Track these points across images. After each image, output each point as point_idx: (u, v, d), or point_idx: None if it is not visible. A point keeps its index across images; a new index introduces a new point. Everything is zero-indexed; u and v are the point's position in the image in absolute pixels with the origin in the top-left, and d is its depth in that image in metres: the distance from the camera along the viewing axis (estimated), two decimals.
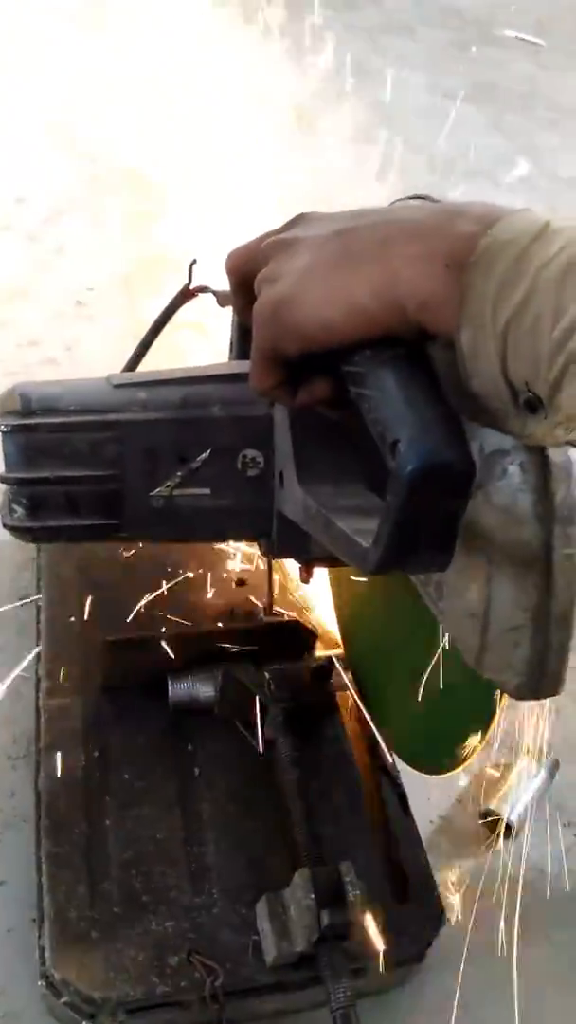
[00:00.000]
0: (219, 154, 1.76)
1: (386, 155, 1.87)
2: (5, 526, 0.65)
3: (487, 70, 2.32)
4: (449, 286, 0.43)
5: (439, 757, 0.82)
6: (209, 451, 0.64)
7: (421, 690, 0.75)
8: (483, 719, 0.70)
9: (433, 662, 0.72)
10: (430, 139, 1.94)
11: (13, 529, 0.65)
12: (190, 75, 1.90)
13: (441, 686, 0.74)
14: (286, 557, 0.73)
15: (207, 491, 0.65)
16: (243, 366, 0.66)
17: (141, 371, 0.88)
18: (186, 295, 0.96)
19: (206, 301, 0.96)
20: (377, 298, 0.46)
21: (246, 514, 0.67)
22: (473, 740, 0.74)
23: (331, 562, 0.70)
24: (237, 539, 0.92)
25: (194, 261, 0.95)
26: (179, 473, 0.64)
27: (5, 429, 0.62)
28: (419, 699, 0.77)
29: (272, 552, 0.70)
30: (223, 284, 0.94)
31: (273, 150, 1.75)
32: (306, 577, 0.77)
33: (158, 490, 0.65)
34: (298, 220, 0.54)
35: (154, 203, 1.73)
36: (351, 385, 0.50)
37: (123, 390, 0.65)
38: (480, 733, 0.72)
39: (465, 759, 0.77)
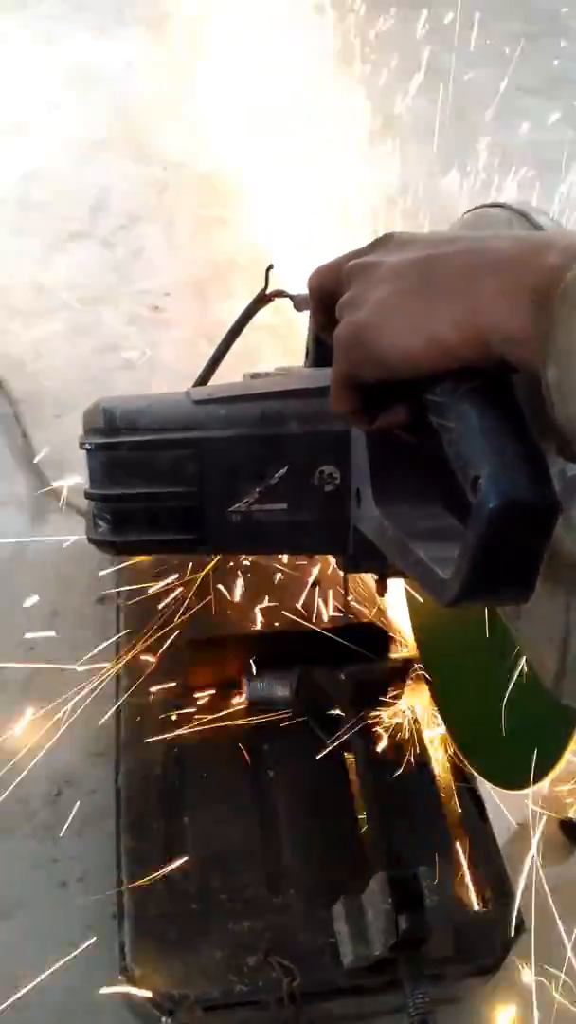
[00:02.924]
0: (290, 158, 1.77)
1: (457, 151, 1.85)
2: (90, 540, 0.67)
3: (559, 62, 2.27)
4: (535, 321, 0.42)
5: (514, 773, 0.81)
6: (286, 467, 0.65)
7: (502, 704, 0.74)
8: (562, 738, 0.69)
9: (512, 677, 0.71)
10: (501, 132, 1.91)
11: (98, 543, 0.67)
12: (265, 80, 1.91)
13: (519, 701, 0.73)
14: (363, 572, 0.73)
15: (284, 506, 0.66)
16: (319, 379, 0.66)
17: (219, 383, 0.89)
18: (263, 299, 0.97)
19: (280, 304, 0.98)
20: (459, 331, 0.45)
21: (323, 528, 0.67)
22: (551, 758, 0.73)
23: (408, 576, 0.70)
24: (314, 552, 0.92)
25: (271, 266, 0.96)
26: (257, 489, 0.65)
27: (90, 447, 0.64)
28: (497, 712, 0.76)
29: (349, 566, 0.70)
30: (299, 288, 0.95)
31: (345, 151, 1.75)
32: (382, 590, 0.77)
33: (236, 506, 0.65)
34: (382, 242, 0.53)
35: (225, 208, 1.75)
36: (432, 414, 0.49)
37: (203, 407, 0.66)
38: (559, 752, 0.71)
39: (542, 777, 0.75)
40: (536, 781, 0.78)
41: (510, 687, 0.72)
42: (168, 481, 0.64)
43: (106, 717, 0.94)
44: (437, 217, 1.51)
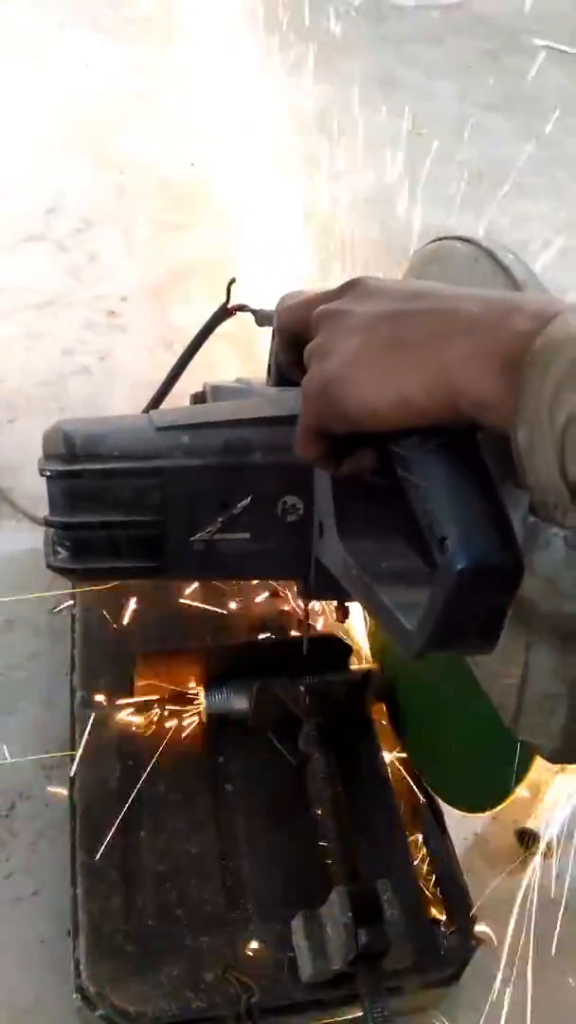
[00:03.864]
0: (247, 167, 1.77)
1: (416, 167, 1.87)
2: (49, 566, 0.66)
3: (517, 80, 2.31)
4: (504, 385, 0.42)
5: (468, 796, 0.82)
6: (250, 498, 0.65)
7: (460, 727, 0.75)
8: (520, 764, 0.70)
9: (470, 706, 0.72)
10: (460, 149, 1.94)
11: (57, 570, 0.66)
12: (218, 89, 1.90)
13: (478, 727, 0.73)
14: (323, 599, 0.73)
15: (247, 536, 0.66)
16: (283, 405, 0.66)
17: (182, 407, 0.89)
18: (225, 313, 0.97)
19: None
20: (428, 393, 0.45)
21: (285, 557, 0.67)
22: (507, 784, 0.74)
23: None
24: (275, 579, 0.92)
25: (232, 280, 0.96)
26: (220, 519, 0.65)
27: (49, 474, 0.63)
28: (454, 735, 0.77)
29: (309, 593, 0.70)
30: (260, 302, 0.95)
31: (301, 161, 1.76)
32: (342, 616, 0.77)
33: (199, 535, 0.65)
34: (352, 286, 0.53)
35: (183, 213, 1.74)
36: (398, 467, 0.49)
37: (166, 433, 0.65)
38: (515, 778, 0.72)
39: (498, 803, 0.76)
40: (487, 809, 0.80)
41: (466, 708, 0.73)
42: (130, 510, 0.64)
43: (60, 730, 0.92)
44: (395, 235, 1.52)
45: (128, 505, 0.64)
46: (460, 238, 0.70)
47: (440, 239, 0.74)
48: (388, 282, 0.53)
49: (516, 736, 0.62)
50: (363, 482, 0.57)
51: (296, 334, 0.57)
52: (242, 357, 1.37)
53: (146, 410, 1.02)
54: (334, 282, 0.60)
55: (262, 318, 0.91)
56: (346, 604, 0.78)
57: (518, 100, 2.27)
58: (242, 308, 0.93)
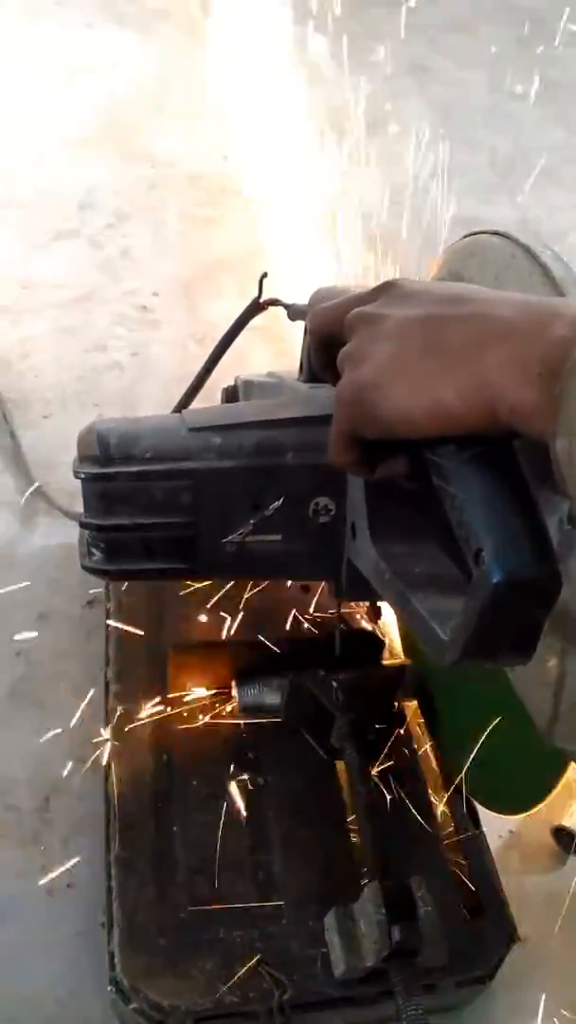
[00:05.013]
0: (280, 159, 1.76)
1: (447, 156, 1.85)
2: (84, 567, 0.67)
3: (550, 67, 2.28)
4: (543, 393, 0.41)
5: (505, 799, 0.82)
6: (282, 499, 0.64)
7: (494, 728, 0.74)
8: (555, 768, 0.69)
9: (506, 706, 0.71)
10: (492, 138, 1.91)
11: (91, 571, 0.66)
12: (249, 82, 1.90)
13: (511, 726, 0.73)
14: (355, 600, 0.73)
15: (278, 537, 0.66)
16: (316, 404, 0.66)
17: (214, 406, 0.88)
18: (257, 308, 0.96)
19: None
20: (465, 400, 0.44)
21: (316, 559, 0.67)
22: (544, 785, 0.73)
23: None
24: (306, 579, 0.92)
25: (264, 274, 0.95)
26: (252, 520, 0.65)
27: (84, 476, 0.63)
28: (489, 734, 0.76)
29: (341, 594, 0.69)
30: (293, 297, 0.95)
31: (335, 155, 1.75)
32: (375, 616, 0.76)
33: (231, 537, 0.65)
34: (386, 288, 0.52)
35: (215, 208, 1.74)
36: (433, 474, 0.48)
37: (198, 434, 0.65)
38: (551, 782, 0.71)
39: (534, 804, 0.76)
40: (523, 810, 0.79)
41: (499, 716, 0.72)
42: (163, 512, 0.64)
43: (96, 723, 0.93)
44: (427, 225, 1.51)
45: (161, 507, 0.64)
46: (496, 232, 0.69)
47: (475, 233, 0.73)
48: (423, 284, 0.52)
49: (550, 743, 0.61)
50: (397, 484, 0.56)
51: (329, 337, 0.56)
52: (274, 351, 1.37)
53: (179, 406, 1.02)
54: (366, 276, 0.59)
55: (294, 313, 0.91)
56: (377, 604, 0.78)
57: (551, 88, 2.24)
58: (274, 303, 0.93)
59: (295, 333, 0.89)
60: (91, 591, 1.08)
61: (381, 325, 0.50)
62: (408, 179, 1.75)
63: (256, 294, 0.93)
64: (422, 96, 2.08)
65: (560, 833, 0.92)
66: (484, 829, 0.86)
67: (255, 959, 0.75)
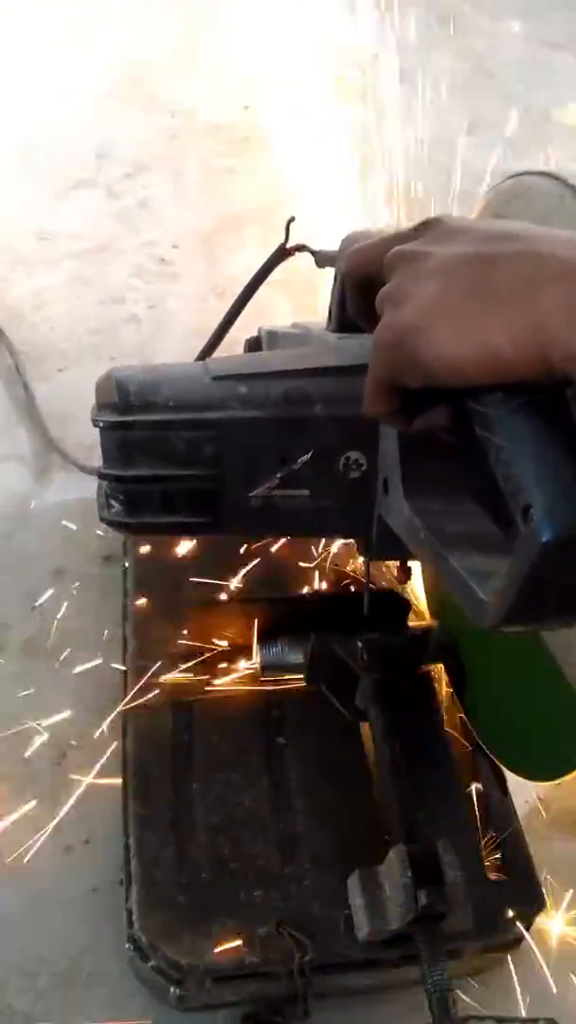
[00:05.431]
0: (306, 109, 1.71)
1: (481, 109, 1.80)
2: (102, 519, 0.64)
3: None
4: None
5: (534, 765, 0.80)
6: (311, 452, 0.61)
7: (526, 693, 0.72)
8: None
9: (539, 670, 0.68)
10: (527, 91, 1.85)
11: (111, 523, 0.64)
12: (271, 30, 1.84)
13: (544, 692, 0.70)
14: (386, 559, 0.70)
15: (306, 492, 0.63)
16: (347, 354, 0.62)
17: (237, 355, 0.85)
18: (284, 253, 0.93)
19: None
20: (517, 346, 0.41)
21: (345, 515, 0.64)
22: (573, 757, 0.71)
23: None
24: (336, 537, 0.89)
25: (292, 218, 0.92)
26: (278, 474, 0.62)
27: (102, 425, 0.60)
28: (520, 700, 0.74)
29: (371, 553, 0.67)
30: (320, 243, 0.91)
31: (359, 103, 1.69)
32: (403, 577, 0.74)
33: (257, 491, 0.62)
34: (430, 226, 0.49)
35: (236, 159, 1.69)
36: (477, 425, 0.45)
37: (222, 383, 0.62)
38: None
39: (566, 772, 0.74)
40: (554, 777, 0.77)
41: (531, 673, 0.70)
42: (185, 463, 0.61)
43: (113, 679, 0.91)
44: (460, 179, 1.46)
45: (183, 458, 0.61)
46: (542, 173, 0.66)
47: (519, 174, 0.69)
48: (469, 221, 0.49)
49: None
50: (432, 438, 0.53)
51: (367, 278, 0.52)
52: (296, 305, 1.33)
53: (200, 357, 0.99)
54: (396, 228, 0.56)
55: (323, 259, 0.87)
56: (408, 564, 0.75)
57: None
58: (301, 248, 0.89)
59: (318, 286, 0.86)
60: (107, 550, 1.05)
61: (424, 263, 0.46)
62: (438, 131, 1.70)
63: (282, 240, 0.90)
64: (453, 46, 2.01)
65: None
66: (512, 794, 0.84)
67: (276, 920, 0.74)
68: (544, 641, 0.67)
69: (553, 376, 0.41)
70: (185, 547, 0.95)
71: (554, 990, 0.77)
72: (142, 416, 0.61)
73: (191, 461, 0.62)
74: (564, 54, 2.02)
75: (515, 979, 0.78)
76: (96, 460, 0.64)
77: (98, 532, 1.08)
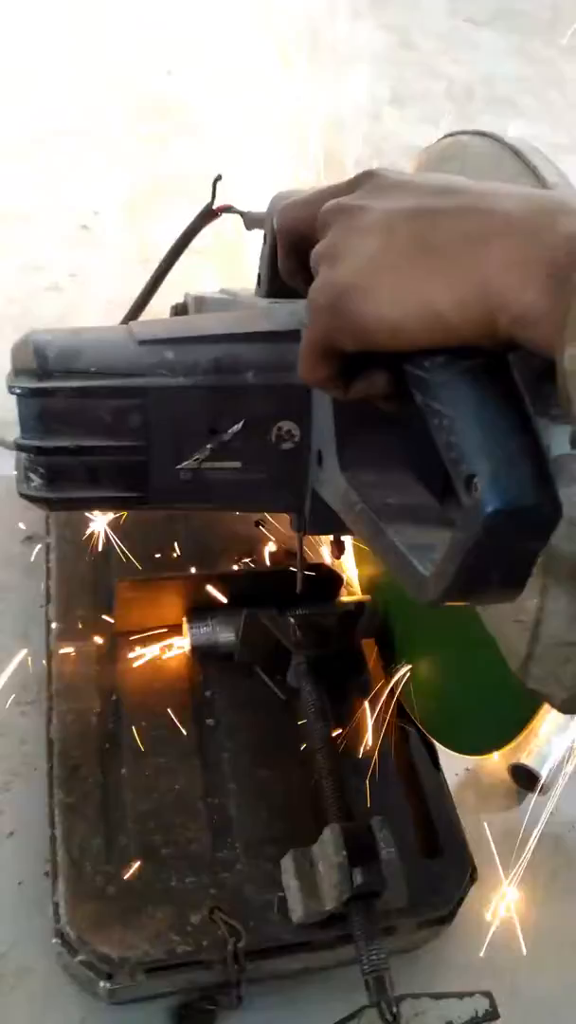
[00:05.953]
0: (231, 75, 1.66)
1: (404, 81, 1.78)
2: (21, 494, 0.60)
3: None
4: (551, 298, 0.36)
5: (466, 740, 0.79)
6: (242, 422, 0.59)
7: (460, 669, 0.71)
8: (524, 709, 0.66)
9: (472, 645, 0.67)
10: (450, 65, 1.84)
11: (30, 498, 0.60)
12: None
13: (475, 666, 0.69)
14: (319, 533, 0.68)
15: (237, 464, 0.60)
16: (279, 319, 0.60)
17: (165, 318, 0.82)
18: (209, 215, 0.89)
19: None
20: (461, 307, 0.39)
21: (278, 489, 0.61)
22: (509, 728, 0.70)
23: None
24: (267, 511, 0.87)
25: (218, 177, 0.88)
26: (208, 446, 0.59)
27: (19, 391, 0.56)
28: (452, 674, 0.73)
29: (304, 528, 0.64)
30: (248, 204, 0.88)
31: (288, 73, 1.66)
32: (337, 552, 0.72)
33: (185, 463, 0.59)
34: (366, 178, 0.46)
35: (160, 124, 1.64)
36: (418, 392, 0.43)
37: (149, 348, 0.58)
38: (519, 723, 0.68)
39: (498, 747, 0.73)
40: (485, 752, 0.76)
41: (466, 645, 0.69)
42: (109, 433, 0.57)
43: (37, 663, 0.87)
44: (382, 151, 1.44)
45: (107, 428, 0.57)
46: (479, 132, 0.64)
47: (454, 134, 0.67)
48: (410, 175, 0.46)
49: (525, 684, 0.57)
50: (368, 407, 0.51)
51: (300, 236, 0.49)
52: (221, 273, 1.29)
53: (124, 322, 0.95)
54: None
55: (251, 221, 0.84)
56: (341, 539, 0.73)
57: (510, 15, 2.17)
58: (228, 209, 0.86)
59: (246, 252, 0.83)
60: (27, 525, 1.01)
61: (362, 218, 0.43)
62: (362, 103, 1.68)
63: (209, 200, 0.86)
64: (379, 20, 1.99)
65: (517, 771, 0.90)
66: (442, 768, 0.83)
67: (209, 907, 0.72)
68: (478, 615, 0.66)
69: (497, 339, 0.39)
70: (111, 522, 0.91)
71: (489, 963, 0.77)
72: (62, 383, 0.57)
73: (116, 431, 0.58)
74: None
75: (449, 953, 0.78)
76: (15, 434, 0.60)
77: (18, 510, 1.03)
